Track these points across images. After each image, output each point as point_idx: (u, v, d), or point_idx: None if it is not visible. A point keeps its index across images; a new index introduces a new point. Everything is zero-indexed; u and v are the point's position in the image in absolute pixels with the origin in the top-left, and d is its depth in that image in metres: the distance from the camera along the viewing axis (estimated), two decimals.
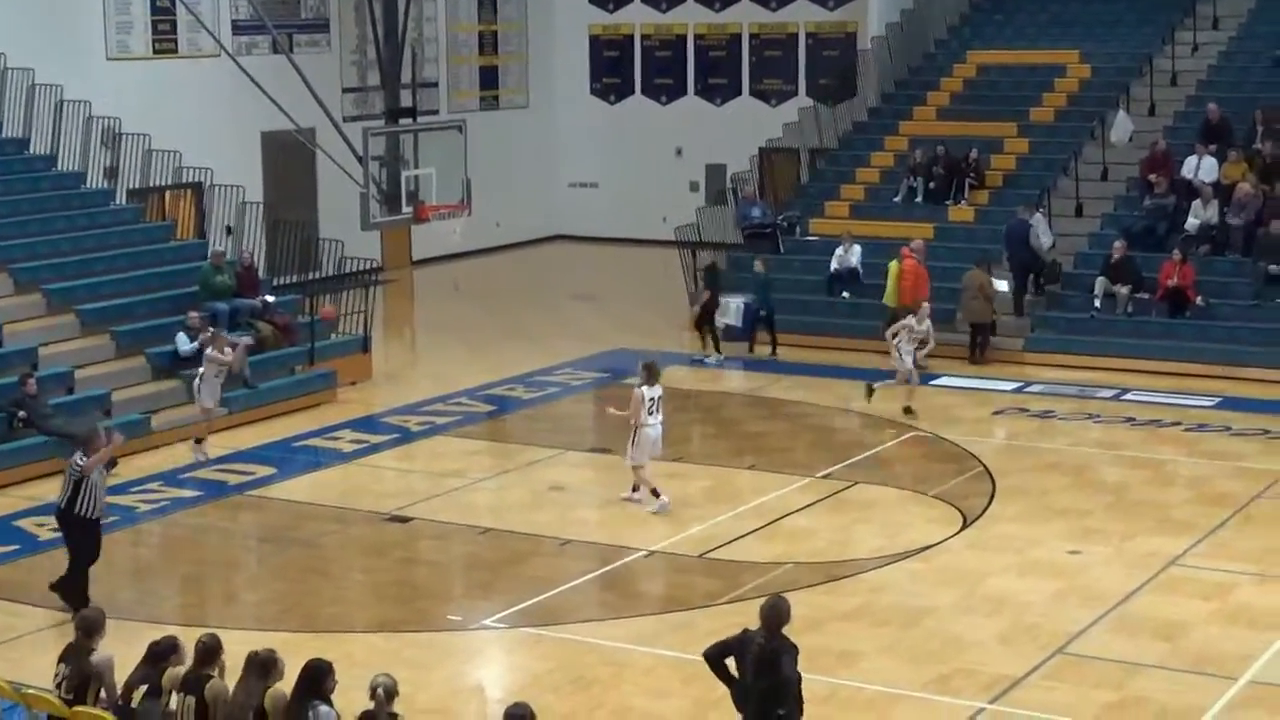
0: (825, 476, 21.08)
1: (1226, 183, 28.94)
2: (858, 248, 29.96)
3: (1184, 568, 17.57)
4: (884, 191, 32.42)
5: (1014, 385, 26.04)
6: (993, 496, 20.18)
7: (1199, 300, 27.25)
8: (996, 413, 24.45)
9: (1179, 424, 23.62)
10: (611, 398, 26.12)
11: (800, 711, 11.31)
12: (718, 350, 28.15)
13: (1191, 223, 28.59)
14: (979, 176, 31.56)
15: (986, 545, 18.43)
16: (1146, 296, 27.54)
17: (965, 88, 34.53)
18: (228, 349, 22.31)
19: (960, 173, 31.50)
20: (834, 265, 29.96)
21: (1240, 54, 33.28)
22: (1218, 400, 24.82)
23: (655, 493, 19.57)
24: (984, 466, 21.44)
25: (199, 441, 22.14)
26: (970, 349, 27.63)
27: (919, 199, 31.65)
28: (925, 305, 25.02)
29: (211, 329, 23.22)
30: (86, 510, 16.21)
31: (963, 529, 18.99)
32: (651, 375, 19.61)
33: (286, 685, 11.20)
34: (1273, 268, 27.08)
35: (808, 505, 19.87)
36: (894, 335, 24.34)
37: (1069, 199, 30.56)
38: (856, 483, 20.83)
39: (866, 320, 29.03)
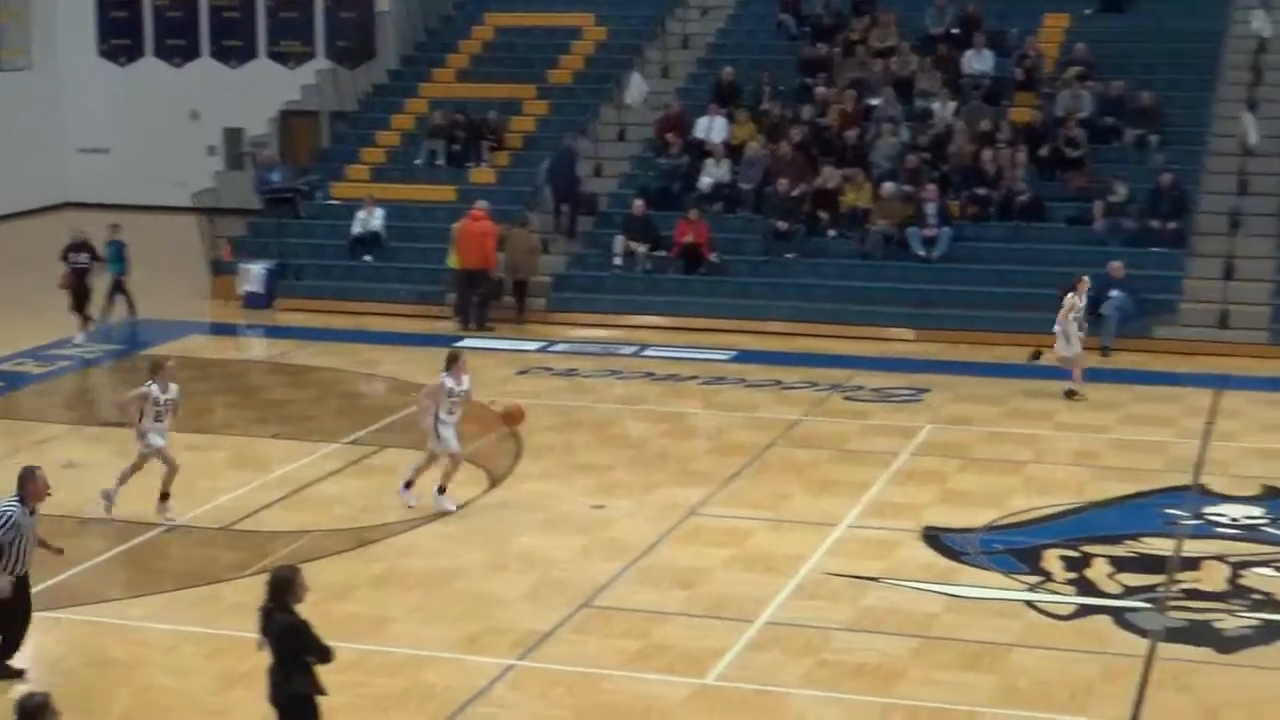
0: (352, 442, 20.90)
1: (736, 143, 29.94)
2: (380, 211, 29.84)
3: (703, 517, 18.08)
4: (405, 154, 32.34)
5: (538, 345, 26.34)
6: (519, 455, 20.36)
7: (713, 257, 28.11)
8: (521, 372, 24.67)
9: (696, 378, 24.32)
10: (127, 369, 25.37)
11: (294, 683, 11.16)
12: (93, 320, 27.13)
13: (705, 182, 29.49)
14: (499, 139, 31.79)
15: (514, 504, 18.59)
16: (663, 254, 28.25)
17: (484, 50, 34.73)
18: (173, 385, 18.12)
19: (481, 135, 31.66)
20: (356, 229, 29.75)
21: (746, 17, 34.42)
22: (733, 354, 25.62)
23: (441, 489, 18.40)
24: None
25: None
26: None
27: (440, 162, 31.69)
28: (1086, 280, 22.91)
29: (170, 363, 18.54)
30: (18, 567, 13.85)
31: (490, 489, 19.10)
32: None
33: None
34: (780, 224, 28.11)
35: (335, 471, 19.65)
36: (1064, 317, 22.40)
37: (588, 159, 31.03)
38: (385, 447, 20.73)
39: (389, 284, 28.96)
